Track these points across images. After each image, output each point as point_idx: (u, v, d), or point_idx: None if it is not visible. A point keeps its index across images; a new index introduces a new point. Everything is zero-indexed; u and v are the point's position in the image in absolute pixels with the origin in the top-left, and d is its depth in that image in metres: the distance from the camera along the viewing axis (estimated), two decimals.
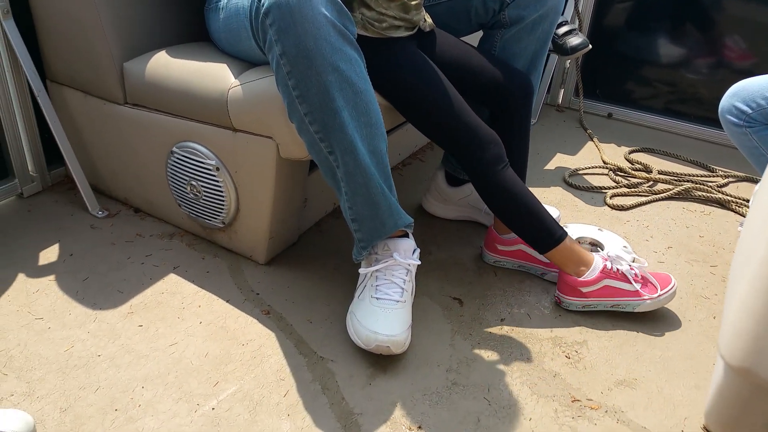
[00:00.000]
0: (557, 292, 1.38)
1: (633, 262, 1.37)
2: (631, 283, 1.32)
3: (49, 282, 1.35)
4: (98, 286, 1.35)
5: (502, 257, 1.48)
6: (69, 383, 1.11)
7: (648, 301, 1.32)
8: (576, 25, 2.15)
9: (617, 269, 1.33)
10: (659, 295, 1.32)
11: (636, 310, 1.34)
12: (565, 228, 1.65)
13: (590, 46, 2.00)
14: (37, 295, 1.31)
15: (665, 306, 1.40)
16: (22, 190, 1.65)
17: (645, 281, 1.34)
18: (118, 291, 1.34)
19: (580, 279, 1.32)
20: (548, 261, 1.41)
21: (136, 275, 1.39)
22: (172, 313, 1.29)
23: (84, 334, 1.22)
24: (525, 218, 1.30)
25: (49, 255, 1.44)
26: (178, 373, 1.14)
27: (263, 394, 1.11)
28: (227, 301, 1.33)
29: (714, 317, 1.39)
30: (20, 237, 1.50)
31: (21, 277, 1.36)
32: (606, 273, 1.32)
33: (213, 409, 1.08)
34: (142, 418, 1.05)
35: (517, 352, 1.25)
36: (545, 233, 1.31)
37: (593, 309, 1.36)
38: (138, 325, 1.25)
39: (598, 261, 1.33)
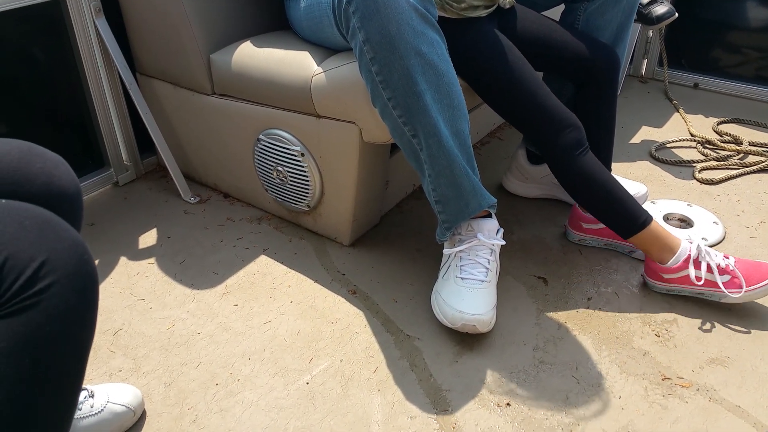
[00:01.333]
0: (643, 272, 1.35)
1: (723, 239, 1.30)
2: (714, 275, 1.25)
3: (148, 265, 1.44)
4: (195, 268, 1.42)
5: (587, 235, 1.46)
6: (172, 360, 1.18)
7: (733, 296, 1.24)
8: None
9: (702, 260, 1.26)
10: (746, 291, 1.23)
11: (722, 301, 1.28)
12: (652, 204, 1.61)
13: (676, 15, 1.93)
14: (138, 278, 1.40)
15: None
16: (118, 178, 1.74)
17: (734, 275, 1.25)
18: (213, 272, 1.41)
19: (663, 266, 1.28)
20: None
21: (229, 257, 1.45)
22: (265, 293, 1.34)
23: (184, 314, 1.29)
24: (605, 203, 1.26)
25: (147, 239, 1.52)
26: (273, 350, 1.20)
27: (354, 370, 1.15)
28: (315, 282, 1.38)
29: None
30: (119, 223, 1.59)
31: (122, 261, 1.45)
32: (690, 262, 1.26)
33: (307, 383, 1.12)
34: (242, 391, 1.11)
35: (605, 331, 1.24)
36: (627, 219, 1.26)
37: (678, 294, 1.32)
38: (233, 304, 1.31)
39: (684, 248, 1.26)
